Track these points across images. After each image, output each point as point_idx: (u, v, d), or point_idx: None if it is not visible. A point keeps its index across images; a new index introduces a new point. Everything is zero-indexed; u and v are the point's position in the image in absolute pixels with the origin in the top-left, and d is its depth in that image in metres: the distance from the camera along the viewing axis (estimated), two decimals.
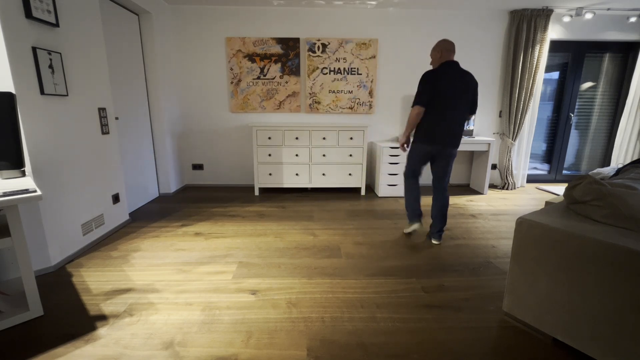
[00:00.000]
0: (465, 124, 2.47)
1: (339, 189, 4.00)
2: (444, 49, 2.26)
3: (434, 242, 2.47)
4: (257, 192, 3.76)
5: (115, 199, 2.67)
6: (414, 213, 2.53)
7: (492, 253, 2.30)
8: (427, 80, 2.21)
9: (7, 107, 1.62)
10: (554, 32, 3.86)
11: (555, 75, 4.17)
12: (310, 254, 2.26)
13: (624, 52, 4.09)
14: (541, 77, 3.86)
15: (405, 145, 2.48)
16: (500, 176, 4.19)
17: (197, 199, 3.58)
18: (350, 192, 3.87)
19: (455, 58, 3.84)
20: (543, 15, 3.68)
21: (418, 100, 2.23)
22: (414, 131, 2.39)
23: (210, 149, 4.10)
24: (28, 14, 1.81)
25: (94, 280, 1.91)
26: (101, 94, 2.47)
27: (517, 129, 3.95)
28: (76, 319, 1.56)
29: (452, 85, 2.20)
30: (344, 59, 3.84)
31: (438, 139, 2.27)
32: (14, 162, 1.66)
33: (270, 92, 3.91)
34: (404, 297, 1.77)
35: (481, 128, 4.15)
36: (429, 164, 2.47)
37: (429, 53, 3.83)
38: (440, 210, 2.43)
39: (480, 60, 3.94)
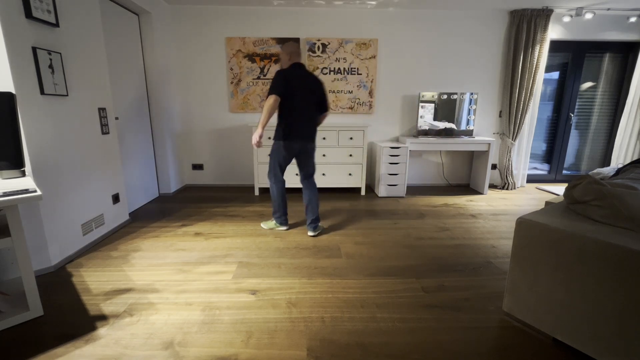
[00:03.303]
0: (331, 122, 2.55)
1: (339, 189, 4.00)
2: (292, 52, 2.38)
3: (309, 234, 2.56)
4: (257, 192, 3.76)
5: (115, 199, 2.67)
6: (285, 216, 2.64)
7: (492, 253, 2.30)
8: (280, 76, 2.28)
9: (7, 107, 1.62)
10: (554, 32, 3.86)
11: (555, 75, 4.17)
12: (310, 254, 2.26)
13: (624, 52, 4.09)
14: (541, 77, 3.86)
15: (260, 141, 2.33)
16: (500, 176, 4.18)
17: (197, 199, 3.57)
18: (350, 192, 3.87)
19: (456, 58, 3.93)
20: (543, 15, 3.68)
21: (273, 91, 2.27)
22: (276, 132, 2.44)
23: (210, 149, 4.10)
24: (28, 14, 1.81)
25: (94, 280, 1.91)
26: (101, 94, 2.47)
27: (517, 129, 3.95)
28: (76, 319, 1.56)
29: (301, 84, 2.34)
30: (344, 59, 3.84)
31: (299, 134, 2.39)
32: (14, 162, 1.66)
33: None
34: (404, 297, 1.77)
35: (481, 128, 4.15)
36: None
37: (429, 53, 3.88)
38: (312, 200, 2.53)
39: (480, 60, 3.94)
